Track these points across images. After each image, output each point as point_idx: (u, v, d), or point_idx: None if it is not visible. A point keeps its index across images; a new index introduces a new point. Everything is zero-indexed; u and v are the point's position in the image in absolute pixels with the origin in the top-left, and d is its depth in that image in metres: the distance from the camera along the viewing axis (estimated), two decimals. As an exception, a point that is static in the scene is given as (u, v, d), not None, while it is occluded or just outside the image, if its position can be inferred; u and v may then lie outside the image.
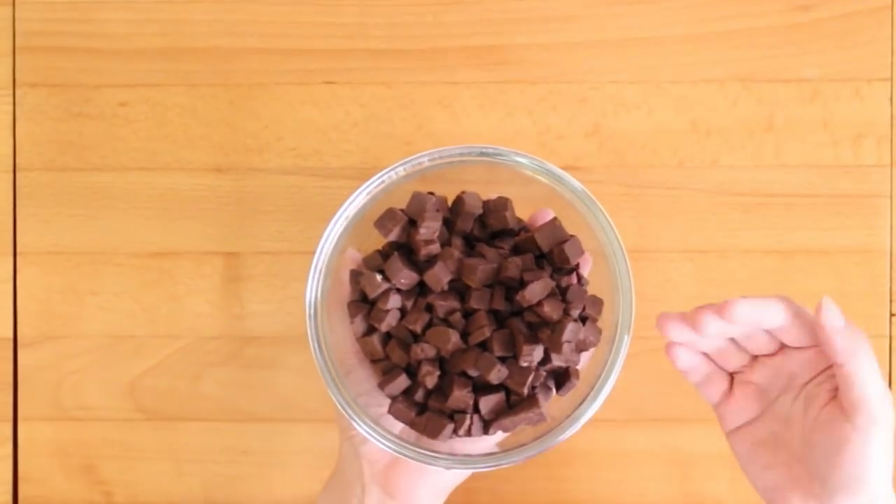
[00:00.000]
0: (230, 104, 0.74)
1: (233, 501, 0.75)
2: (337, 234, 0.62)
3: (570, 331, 0.60)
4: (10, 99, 0.75)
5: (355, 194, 0.62)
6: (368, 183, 0.62)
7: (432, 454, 0.61)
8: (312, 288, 0.62)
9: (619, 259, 0.61)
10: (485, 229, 0.65)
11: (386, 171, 0.62)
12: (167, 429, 0.75)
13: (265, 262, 0.74)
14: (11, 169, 0.75)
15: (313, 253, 0.62)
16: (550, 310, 0.60)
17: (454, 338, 0.61)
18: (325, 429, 0.74)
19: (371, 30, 0.74)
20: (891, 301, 0.74)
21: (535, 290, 0.60)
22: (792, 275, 0.74)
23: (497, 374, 0.60)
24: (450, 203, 0.65)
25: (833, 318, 0.57)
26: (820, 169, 0.74)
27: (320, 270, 0.62)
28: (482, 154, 0.62)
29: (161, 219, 0.74)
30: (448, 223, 0.64)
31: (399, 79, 0.74)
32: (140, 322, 0.75)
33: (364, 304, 0.63)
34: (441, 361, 0.62)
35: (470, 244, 0.64)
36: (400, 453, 0.61)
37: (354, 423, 0.61)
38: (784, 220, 0.74)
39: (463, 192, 0.64)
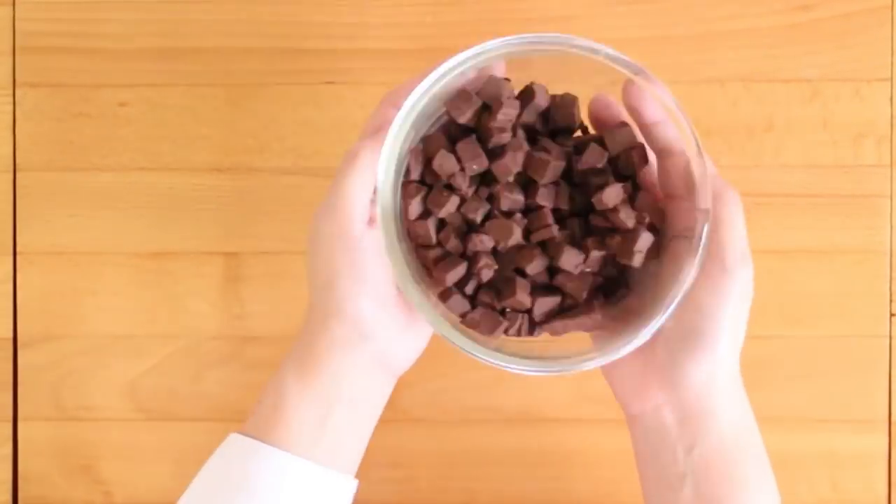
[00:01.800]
0: (230, 104, 0.74)
1: (233, 501, 0.75)
2: (410, 120, 0.58)
3: (644, 240, 0.57)
4: (10, 99, 0.75)
5: (430, 79, 0.58)
6: (448, 64, 0.58)
7: (484, 349, 0.57)
8: (386, 175, 0.57)
9: (694, 157, 0.58)
10: (546, 125, 0.61)
11: (462, 55, 0.58)
12: (167, 429, 0.75)
13: (265, 262, 0.74)
14: (11, 169, 0.75)
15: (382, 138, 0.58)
16: (626, 216, 0.57)
17: (516, 232, 0.58)
18: (325, 429, 0.74)
19: (371, 30, 0.74)
20: (891, 301, 0.74)
21: (612, 194, 0.57)
22: (792, 275, 0.74)
23: (574, 263, 0.58)
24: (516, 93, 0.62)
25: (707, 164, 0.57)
26: (820, 169, 0.74)
27: (393, 157, 0.57)
28: (573, 45, 0.57)
29: (161, 219, 0.74)
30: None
31: (399, 79, 0.74)
32: (140, 322, 0.75)
33: (422, 185, 0.60)
34: (495, 254, 0.59)
35: (531, 138, 0.61)
36: (450, 338, 0.57)
37: (420, 306, 0.57)
38: (784, 220, 0.74)
39: (532, 83, 0.60)
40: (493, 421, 0.73)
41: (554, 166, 0.58)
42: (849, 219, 0.73)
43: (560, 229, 0.59)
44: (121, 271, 0.75)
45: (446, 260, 0.59)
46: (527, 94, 0.60)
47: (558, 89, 0.61)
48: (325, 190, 0.74)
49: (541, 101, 0.60)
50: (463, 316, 0.59)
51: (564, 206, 0.59)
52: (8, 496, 0.75)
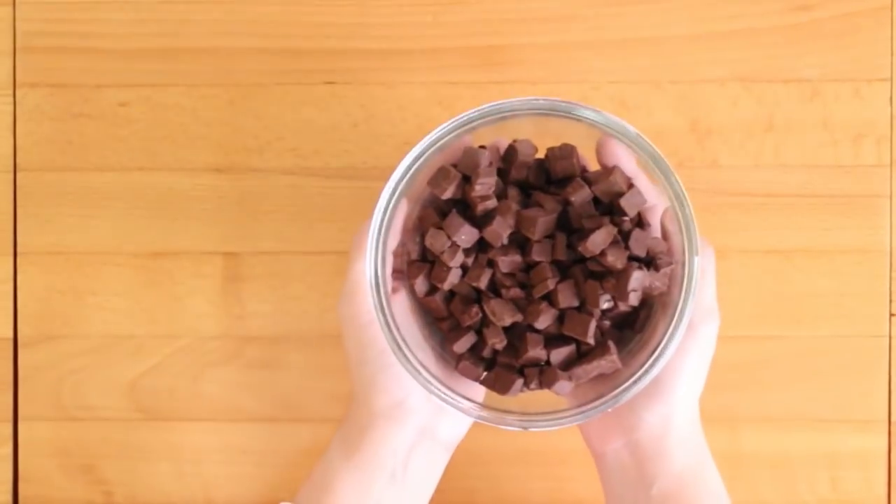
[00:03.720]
0: (230, 104, 0.74)
1: (233, 501, 0.75)
2: (393, 201, 0.61)
3: (636, 279, 0.59)
4: (11, 99, 0.75)
5: (409, 159, 0.61)
6: (422, 144, 0.60)
7: (504, 413, 0.60)
8: (372, 259, 0.60)
9: (672, 184, 0.60)
10: (542, 176, 0.63)
11: (440, 129, 0.60)
12: (167, 429, 0.75)
13: (265, 262, 0.74)
14: (11, 169, 0.75)
15: (368, 222, 0.60)
16: (614, 259, 0.59)
17: (516, 316, 0.60)
18: (325, 429, 0.74)
19: (371, 30, 0.74)
20: (891, 301, 0.74)
21: (597, 240, 0.59)
22: (792, 275, 0.74)
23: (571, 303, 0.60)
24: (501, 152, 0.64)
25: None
26: (820, 169, 0.74)
27: (380, 240, 0.60)
28: (553, 109, 0.60)
29: (161, 219, 0.74)
30: (502, 173, 0.63)
31: (399, 79, 0.74)
32: (140, 322, 0.75)
33: (424, 263, 0.62)
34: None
35: (525, 192, 0.63)
36: (479, 417, 0.60)
37: (433, 390, 0.59)
38: (784, 220, 0.74)
39: (515, 141, 0.63)
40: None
41: (544, 221, 0.60)
42: (849, 219, 0.73)
43: (563, 279, 0.60)
44: (121, 271, 0.75)
45: (457, 329, 0.62)
46: (510, 154, 0.62)
47: (548, 142, 0.63)
48: (325, 190, 0.74)
49: (526, 157, 0.62)
50: (479, 380, 0.62)
51: (562, 256, 0.60)
52: (8, 496, 0.75)
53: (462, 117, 0.60)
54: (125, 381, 0.75)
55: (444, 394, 0.60)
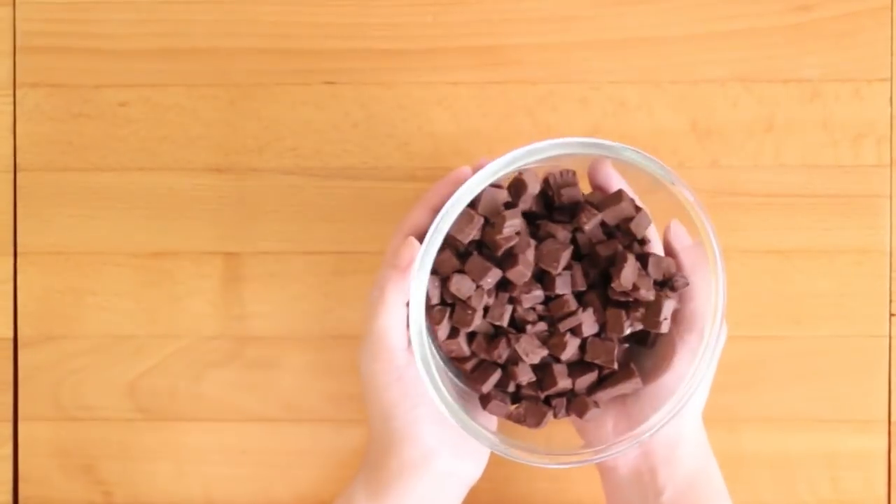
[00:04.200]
0: (230, 104, 0.74)
1: (233, 501, 0.75)
2: (436, 245, 0.60)
3: (667, 308, 0.61)
4: (11, 99, 0.75)
5: (448, 208, 0.59)
6: (478, 177, 0.60)
7: (531, 451, 0.62)
8: (417, 311, 0.60)
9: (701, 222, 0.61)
10: (546, 204, 0.64)
11: (494, 164, 0.59)
12: (167, 429, 0.75)
13: (265, 262, 0.74)
14: (11, 169, 0.75)
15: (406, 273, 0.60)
16: (646, 292, 0.60)
17: (543, 351, 0.62)
18: (326, 429, 0.74)
19: (371, 30, 0.74)
20: (891, 301, 0.74)
21: (628, 275, 0.60)
22: (792, 275, 0.74)
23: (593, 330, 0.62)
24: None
25: (681, 238, 0.61)
26: (820, 169, 0.74)
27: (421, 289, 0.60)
28: (595, 147, 0.60)
29: (161, 219, 0.74)
30: (508, 206, 0.63)
31: (399, 79, 0.74)
32: (140, 322, 0.75)
33: (444, 307, 0.62)
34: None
35: (530, 220, 0.63)
36: (506, 454, 0.61)
37: (467, 430, 0.60)
38: (784, 220, 0.74)
39: (521, 172, 0.62)
40: (493, 421, 0.73)
41: (564, 255, 0.60)
42: (849, 219, 0.73)
43: (584, 309, 0.61)
44: (121, 271, 0.75)
45: (480, 369, 0.63)
46: (518, 185, 0.63)
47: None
48: (325, 190, 0.74)
49: (532, 189, 0.62)
50: (508, 416, 0.63)
51: (582, 287, 0.61)
52: (8, 496, 0.75)
53: (510, 156, 0.59)
54: (125, 381, 0.75)
55: (496, 445, 0.61)
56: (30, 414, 0.75)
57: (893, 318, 0.74)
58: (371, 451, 0.64)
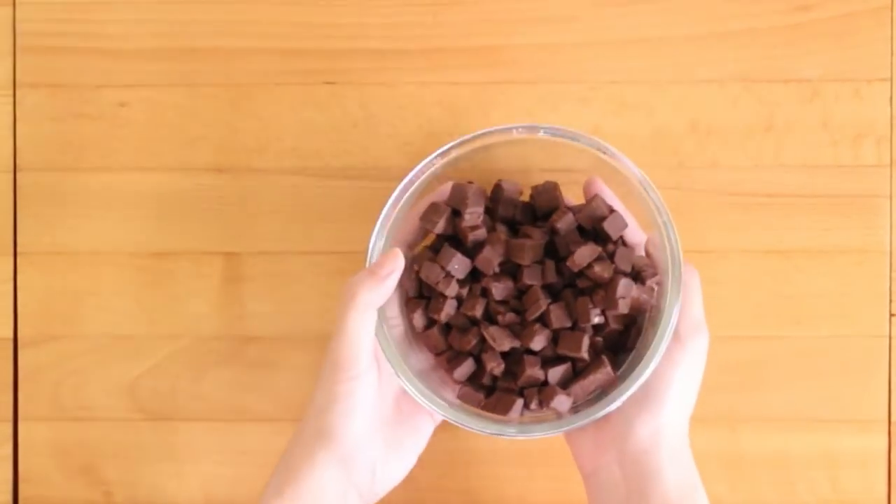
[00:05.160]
0: (230, 104, 0.74)
1: (233, 501, 0.75)
2: (381, 241, 0.64)
3: (623, 286, 0.61)
4: (11, 99, 0.75)
5: (397, 193, 0.64)
6: (408, 178, 0.64)
7: (502, 423, 0.63)
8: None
9: (656, 205, 0.63)
10: (528, 214, 0.66)
11: (430, 157, 0.64)
12: (167, 429, 0.75)
13: (265, 262, 0.74)
14: (11, 169, 0.75)
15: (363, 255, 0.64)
16: (601, 269, 0.62)
17: (513, 340, 0.63)
18: (325, 429, 0.74)
19: (371, 30, 0.74)
20: (891, 301, 0.74)
21: (584, 254, 0.62)
22: (791, 275, 0.74)
23: (563, 321, 0.63)
24: (488, 192, 0.67)
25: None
26: (819, 169, 0.74)
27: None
28: (541, 131, 0.63)
29: (161, 219, 0.74)
30: (490, 212, 0.66)
31: (399, 79, 0.74)
32: (140, 322, 0.75)
33: (420, 299, 0.65)
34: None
35: (514, 229, 0.66)
36: (457, 420, 0.63)
37: (430, 405, 0.62)
38: (784, 220, 0.74)
39: (501, 180, 0.66)
40: (493, 421, 0.73)
41: (532, 246, 0.63)
42: (849, 219, 0.73)
43: (553, 301, 0.63)
44: (121, 271, 0.75)
45: (456, 358, 0.65)
46: (497, 192, 0.66)
47: (537, 179, 0.66)
48: (325, 190, 0.74)
49: (512, 194, 0.66)
50: (480, 405, 0.64)
51: (553, 279, 0.63)
52: (8, 496, 0.75)
53: (449, 146, 0.63)
54: (125, 381, 0.75)
55: (448, 410, 0.63)
56: (30, 414, 0.75)
57: (893, 318, 0.74)
58: (291, 446, 0.64)
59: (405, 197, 0.64)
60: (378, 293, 0.62)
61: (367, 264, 0.64)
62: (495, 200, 0.66)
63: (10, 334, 0.75)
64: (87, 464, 0.75)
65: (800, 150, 0.74)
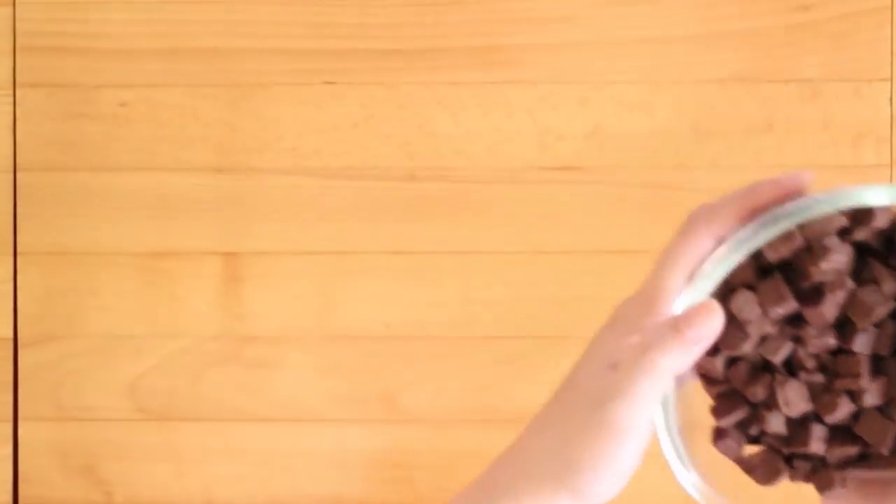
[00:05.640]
0: (230, 104, 0.74)
1: (233, 501, 0.75)
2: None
3: None
4: (11, 99, 0.75)
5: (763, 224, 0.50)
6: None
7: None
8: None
9: None
10: (882, 243, 0.52)
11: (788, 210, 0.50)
12: (167, 429, 0.75)
13: (265, 262, 0.74)
14: (11, 169, 0.75)
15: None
16: None
17: (808, 405, 0.51)
18: (326, 429, 0.74)
19: (371, 30, 0.74)
20: (891, 301, 0.74)
21: None
22: (792, 275, 0.73)
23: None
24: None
25: None
26: (820, 169, 0.74)
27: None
28: None
29: (161, 219, 0.74)
30: (842, 231, 0.51)
31: (399, 79, 0.74)
32: (140, 322, 0.75)
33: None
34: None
35: (860, 253, 0.51)
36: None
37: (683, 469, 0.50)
38: (784, 220, 0.74)
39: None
40: (493, 421, 0.73)
41: (879, 312, 0.49)
42: (849, 219, 0.73)
43: (875, 376, 0.50)
44: (121, 271, 0.75)
45: (727, 399, 0.52)
46: (863, 214, 0.50)
47: None
48: (325, 190, 0.74)
49: (880, 223, 0.50)
50: (737, 460, 0.52)
51: (884, 352, 0.50)
52: (8, 496, 0.75)
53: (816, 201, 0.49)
54: (125, 381, 0.75)
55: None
56: (30, 414, 0.75)
57: (893, 318, 0.74)
58: (515, 475, 0.48)
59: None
60: (682, 360, 0.47)
61: (664, 297, 0.49)
62: (857, 223, 0.50)
63: (10, 334, 0.75)
64: (87, 464, 0.75)
65: (800, 149, 0.74)
